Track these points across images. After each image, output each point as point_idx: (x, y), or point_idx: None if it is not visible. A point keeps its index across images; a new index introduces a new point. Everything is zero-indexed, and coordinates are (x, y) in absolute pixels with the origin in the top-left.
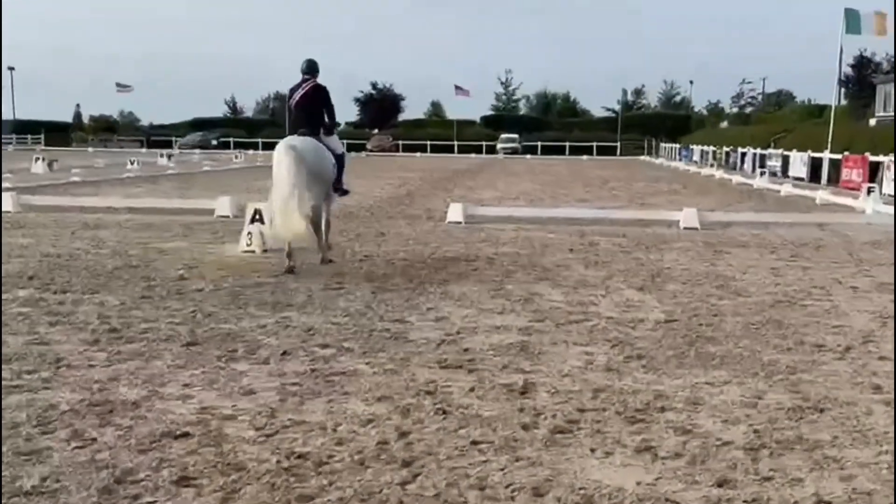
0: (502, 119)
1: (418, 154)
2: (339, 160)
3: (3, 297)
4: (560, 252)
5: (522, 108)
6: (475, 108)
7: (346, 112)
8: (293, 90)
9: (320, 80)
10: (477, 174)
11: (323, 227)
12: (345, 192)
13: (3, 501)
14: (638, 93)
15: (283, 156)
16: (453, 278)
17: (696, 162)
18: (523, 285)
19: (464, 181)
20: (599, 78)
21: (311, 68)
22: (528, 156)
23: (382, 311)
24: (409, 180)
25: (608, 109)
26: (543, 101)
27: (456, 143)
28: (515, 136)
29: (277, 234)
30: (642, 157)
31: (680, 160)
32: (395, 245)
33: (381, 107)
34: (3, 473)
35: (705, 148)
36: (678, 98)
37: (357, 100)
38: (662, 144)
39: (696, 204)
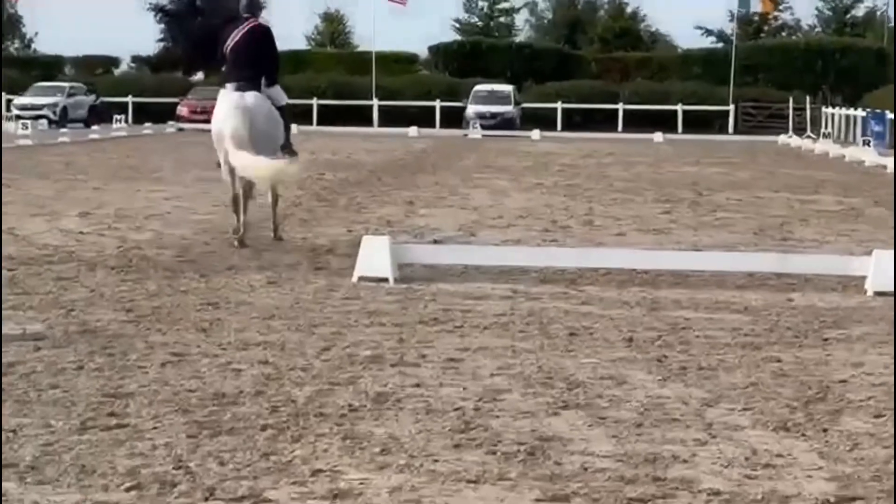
0: (478, 52)
1: (295, 128)
2: (284, 115)
3: None
4: (605, 345)
5: (522, 30)
6: (418, 29)
7: (137, 34)
8: (229, 31)
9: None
10: (423, 172)
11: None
12: (293, 154)
13: None
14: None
15: (236, 116)
16: (371, 405)
17: None
18: (523, 420)
19: (396, 187)
20: None
21: (251, 5)
22: (536, 131)
23: (212, 476)
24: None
25: (708, 33)
26: (568, 13)
27: (376, 102)
28: (507, 88)
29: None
30: (781, 139)
31: (867, 143)
32: (240, 331)
33: (210, 24)
34: None
35: None
36: (858, 12)
37: (160, 9)
38: (827, 110)
39: None
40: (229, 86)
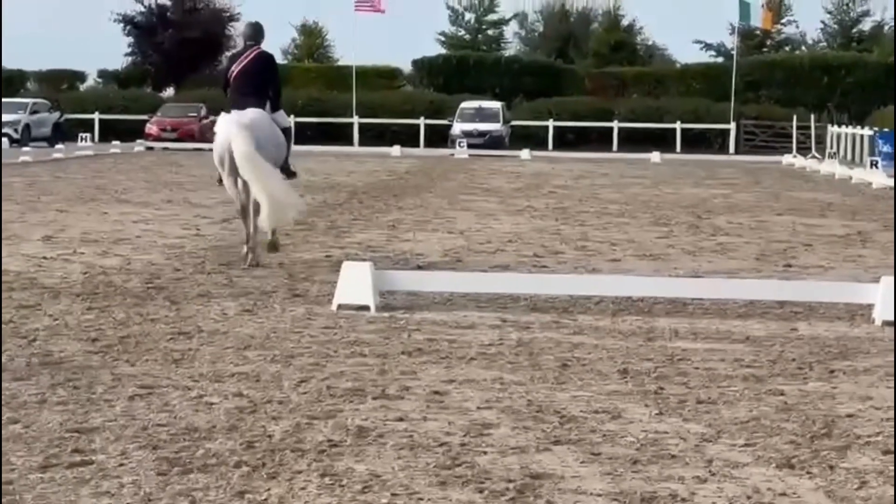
0: (465, 66)
1: None
2: (287, 136)
3: None
4: (599, 378)
5: (512, 43)
6: (401, 41)
7: (104, 47)
8: (234, 58)
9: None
10: (407, 194)
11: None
12: (292, 175)
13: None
14: (775, 12)
15: (238, 134)
16: (351, 441)
17: None
18: (512, 456)
19: (377, 210)
20: None
21: (255, 34)
22: (526, 150)
23: None
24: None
25: (707, 47)
26: (560, 26)
27: (357, 120)
28: (495, 104)
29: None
30: (785, 159)
31: (875, 163)
32: (213, 362)
33: (182, 38)
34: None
35: None
36: (865, 26)
37: (130, 21)
38: (832, 129)
39: None
40: (232, 111)
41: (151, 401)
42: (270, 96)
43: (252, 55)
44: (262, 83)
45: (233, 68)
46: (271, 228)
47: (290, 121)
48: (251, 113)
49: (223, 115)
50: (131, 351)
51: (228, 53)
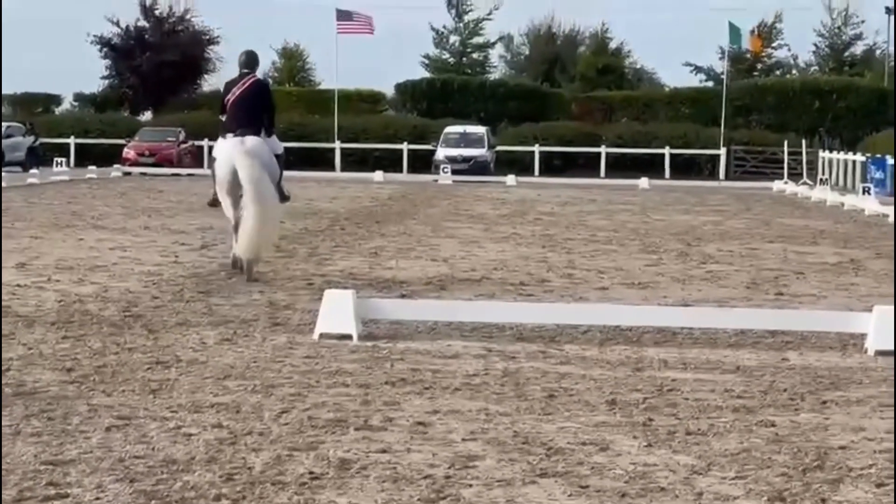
0: (449, 90)
1: None
2: (280, 163)
3: None
4: (586, 408)
5: (498, 67)
6: (385, 64)
7: (80, 70)
8: (230, 85)
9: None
10: (390, 221)
11: None
12: (285, 198)
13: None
14: (765, 35)
15: (244, 160)
16: (333, 473)
17: None
18: (498, 489)
19: (360, 237)
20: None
21: (250, 62)
22: (511, 176)
23: None
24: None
25: (697, 71)
26: (546, 49)
27: (339, 144)
28: (480, 129)
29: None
30: (776, 185)
31: (867, 190)
32: (191, 392)
33: (160, 61)
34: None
35: None
36: (857, 49)
37: (107, 43)
38: (824, 155)
39: None
40: (229, 136)
41: (128, 432)
42: (265, 123)
43: (248, 83)
44: (258, 110)
45: (229, 96)
46: (245, 258)
47: (282, 147)
48: (251, 140)
49: (221, 140)
50: (108, 381)
51: (223, 79)
